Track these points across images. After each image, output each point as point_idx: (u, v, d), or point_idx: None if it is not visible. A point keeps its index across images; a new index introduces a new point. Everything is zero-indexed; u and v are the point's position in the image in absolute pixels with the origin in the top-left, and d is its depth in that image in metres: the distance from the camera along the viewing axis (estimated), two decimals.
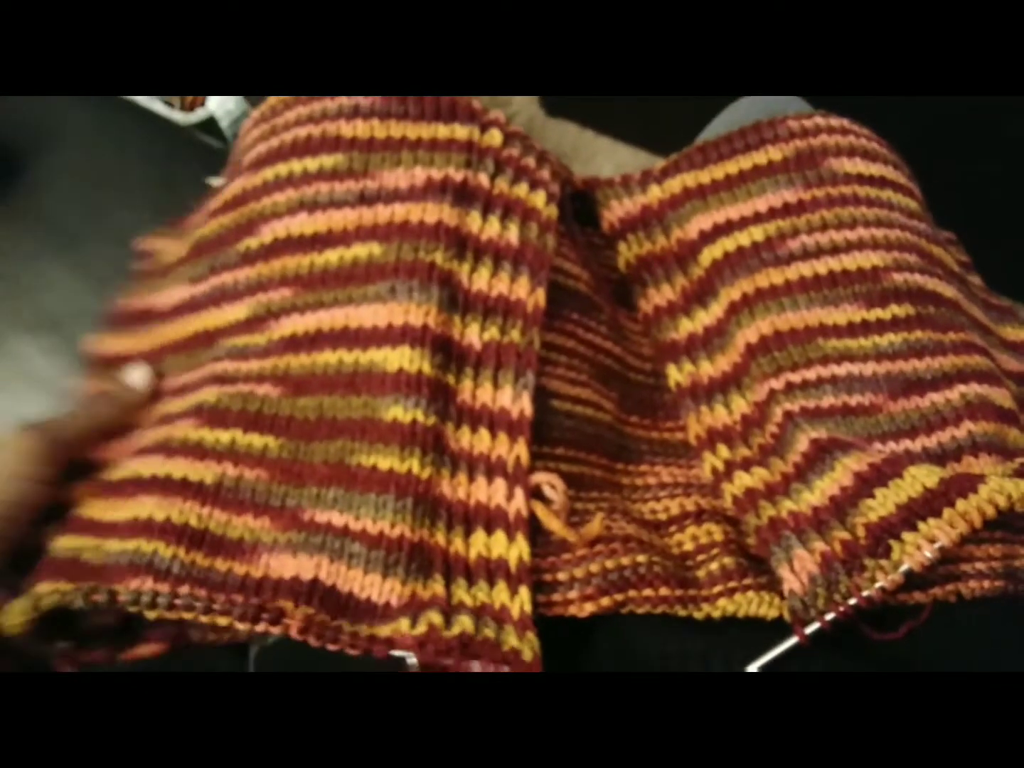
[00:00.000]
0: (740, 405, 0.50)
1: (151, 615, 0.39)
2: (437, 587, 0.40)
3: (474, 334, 0.46)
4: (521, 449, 0.44)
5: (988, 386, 0.48)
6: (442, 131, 0.51)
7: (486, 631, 0.39)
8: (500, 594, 0.41)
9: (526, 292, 0.48)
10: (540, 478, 0.45)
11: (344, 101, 0.52)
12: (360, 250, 0.48)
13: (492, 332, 0.47)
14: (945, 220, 0.61)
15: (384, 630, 0.38)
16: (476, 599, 0.40)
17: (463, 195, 0.49)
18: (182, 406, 0.49)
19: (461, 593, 0.40)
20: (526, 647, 0.39)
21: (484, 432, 0.44)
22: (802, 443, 0.46)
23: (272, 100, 0.54)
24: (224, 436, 0.45)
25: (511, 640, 0.39)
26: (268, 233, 0.50)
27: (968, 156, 0.89)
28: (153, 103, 0.83)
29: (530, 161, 0.52)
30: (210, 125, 0.89)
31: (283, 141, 0.52)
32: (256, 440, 0.45)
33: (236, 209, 0.52)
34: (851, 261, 0.52)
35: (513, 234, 0.49)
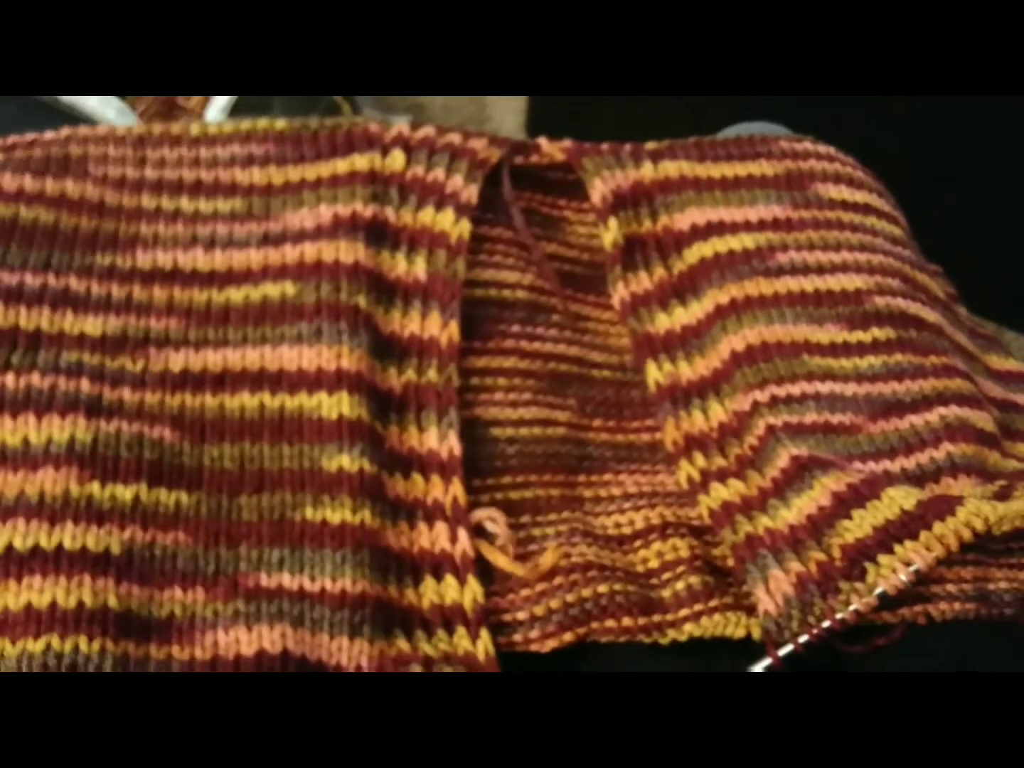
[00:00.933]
0: (718, 412, 0.49)
1: None
2: (401, 643, 0.39)
3: (392, 378, 0.46)
4: (457, 489, 0.43)
5: (968, 409, 0.48)
6: (341, 166, 0.51)
7: None
8: (461, 641, 0.40)
9: (438, 328, 0.48)
10: (480, 515, 0.44)
11: (236, 149, 0.52)
12: (271, 289, 0.47)
13: (409, 374, 0.46)
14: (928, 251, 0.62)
15: None
16: (438, 650, 0.40)
17: (373, 232, 0.49)
18: (26, 436, 0.40)
19: (423, 645, 0.40)
20: None
21: (417, 477, 0.44)
22: (782, 459, 0.45)
23: (136, 130, 0.52)
24: (123, 492, 0.40)
25: None
26: (147, 260, 0.48)
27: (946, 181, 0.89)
28: (107, 109, 0.82)
29: (438, 174, 0.52)
30: None
31: (165, 178, 0.51)
32: (165, 496, 0.40)
33: (90, 216, 0.48)
34: (835, 282, 0.52)
35: (420, 268, 0.49)
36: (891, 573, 0.41)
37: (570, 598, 0.42)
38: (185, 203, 0.50)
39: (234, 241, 0.49)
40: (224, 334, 0.46)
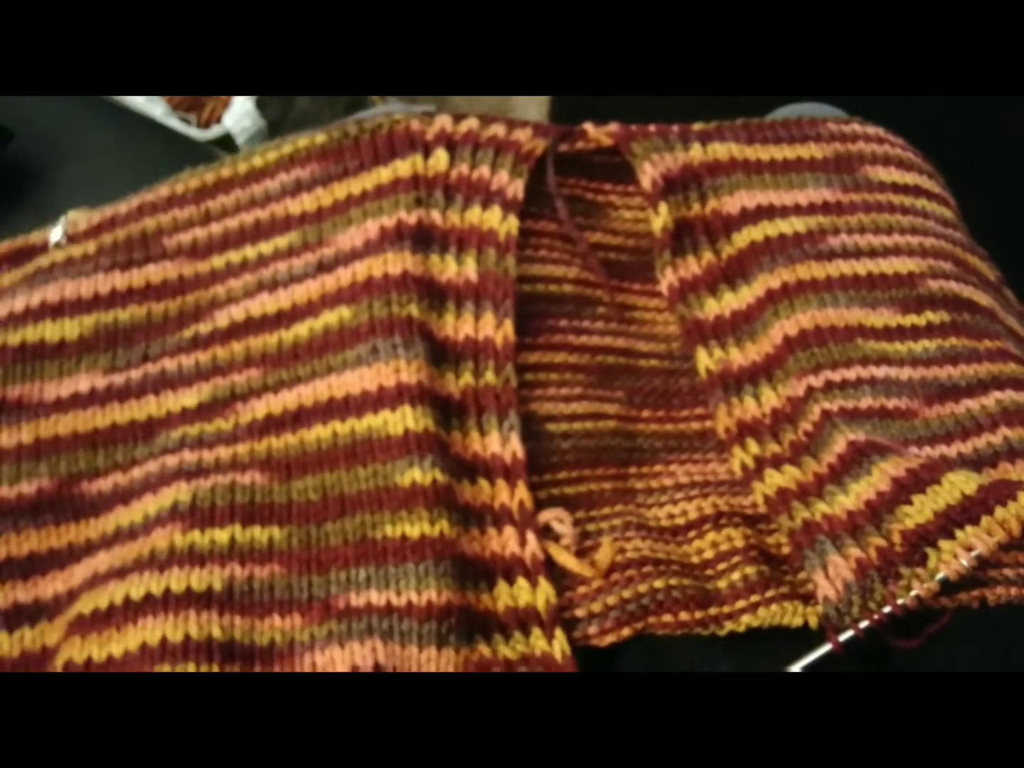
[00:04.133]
0: (770, 398, 0.49)
1: None
2: (483, 648, 0.40)
3: (451, 383, 0.46)
4: (523, 492, 0.44)
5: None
6: (384, 174, 0.51)
7: None
8: (538, 642, 0.41)
9: (493, 328, 0.48)
10: (546, 516, 0.44)
11: (284, 178, 0.52)
12: (330, 317, 0.48)
13: (467, 378, 0.46)
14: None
15: None
16: (516, 652, 0.40)
17: (419, 238, 0.49)
18: (144, 512, 0.44)
19: (502, 648, 0.40)
20: None
21: (483, 482, 0.44)
22: (839, 444, 0.45)
23: (193, 183, 0.54)
24: (220, 535, 0.42)
25: None
26: (224, 318, 0.49)
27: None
28: (170, 120, 0.84)
29: (483, 171, 0.51)
30: (226, 141, 0.90)
31: (228, 228, 0.52)
32: (259, 533, 0.42)
33: (172, 297, 0.50)
34: (888, 265, 0.52)
35: (471, 268, 0.49)
36: (952, 559, 0.40)
37: (627, 594, 0.42)
38: (249, 251, 0.51)
39: (294, 276, 0.49)
40: (296, 372, 0.47)
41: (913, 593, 0.41)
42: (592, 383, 0.50)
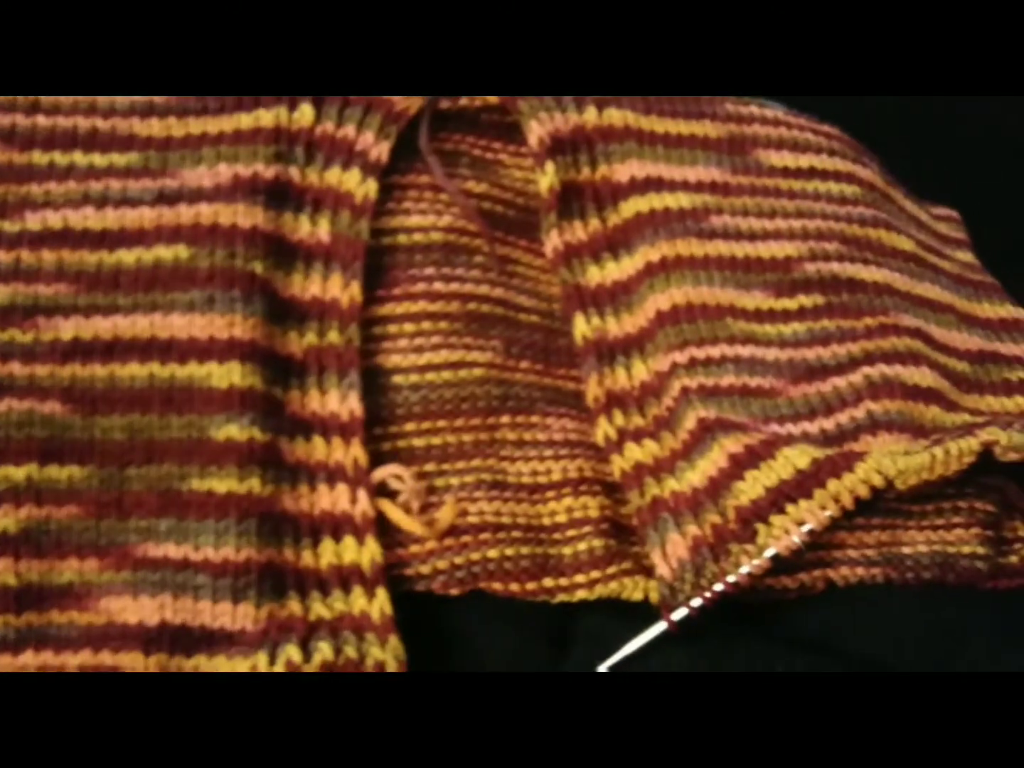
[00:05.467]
0: (640, 371, 0.48)
1: None
2: (293, 605, 0.39)
3: (293, 342, 0.45)
4: (357, 450, 0.43)
5: (900, 366, 0.47)
6: (245, 120, 0.49)
7: (347, 651, 0.38)
8: (358, 600, 0.40)
9: (340, 289, 0.47)
10: (383, 473, 0.43)
11: (137, 98, 0.49)
12: (163, 252, 0.45)
13: (310, 338, 0.46)
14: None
15: (242, 665, 0.37)
16: (334, 610, 0.40)
17: (275, 194, 0.47)
18: None
19: (318, 607, 0.40)
20: (390, 657, 0.38)
21: (318, 440, 0.44)
22: (690, 420, 0.45)
23: None
24: (16, 473, 0.40)
25: (374, 652, 0.38)
26: (36, 221, 0.46)
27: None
28: None
29: (348, 131, 0.50)
30: None
31: (59, 126, 0.49)
32: (57, 472, 0.41)
33: None
34: (766, 249, 0.52)
35: (324, 230, 0.48)
36: (783, 534, 0.39)
37: (459, 560, 0.42)
38: (79, 157, 0.48)
39: (128, 199, 0.47)
40: (115, 300, 0.44)
41: (743, 570, 0.39)
42: (458, 331, 0.48)
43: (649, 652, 0.41)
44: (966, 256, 0.60)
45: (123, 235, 0.46)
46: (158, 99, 0.50)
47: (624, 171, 0.53)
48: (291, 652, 0.37)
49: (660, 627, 0.40)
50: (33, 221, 0.46)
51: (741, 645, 0.41)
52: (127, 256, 0.45)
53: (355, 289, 0.47)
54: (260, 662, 0.37)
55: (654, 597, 0.42)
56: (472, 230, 0.51)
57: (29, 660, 0.37)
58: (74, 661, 0.37)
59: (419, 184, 0.52)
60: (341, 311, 0.46)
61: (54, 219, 0.46)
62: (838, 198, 0.55)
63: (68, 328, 0.43)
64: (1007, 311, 0.56)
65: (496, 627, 0.42)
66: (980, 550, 0.42)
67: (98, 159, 0.48)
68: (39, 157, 0.48)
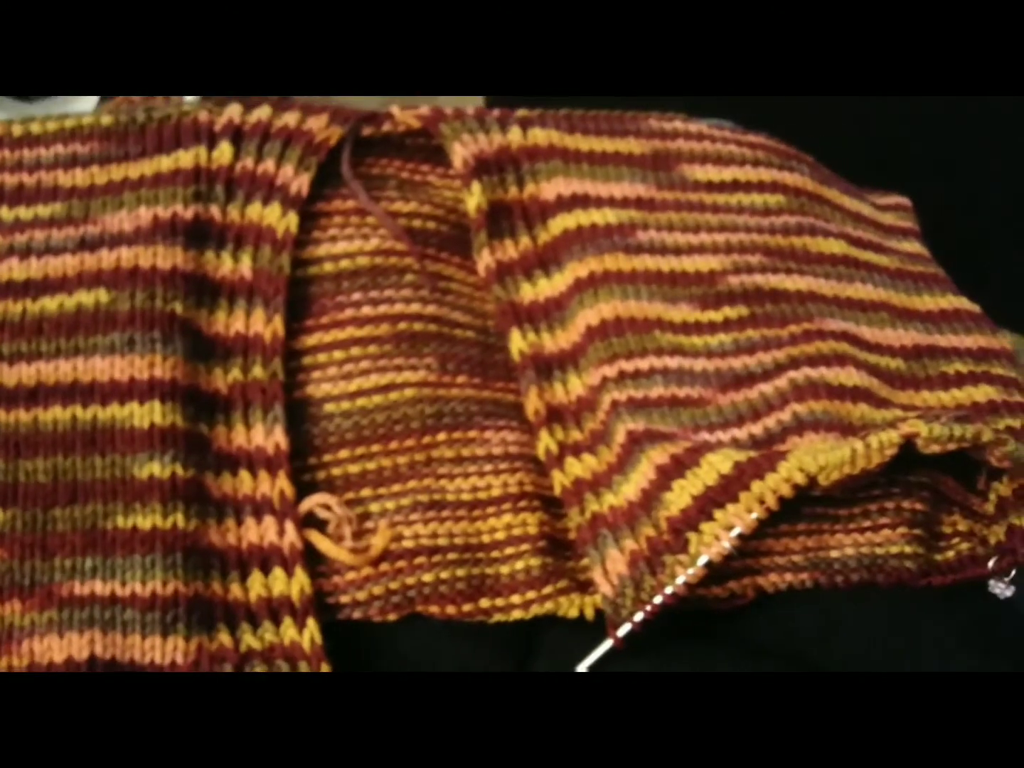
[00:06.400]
0: (576, 386, 0.49)
1: None
2: (223, 637, 0.40)
3: (219, 379, 0.46)
4: (283, 483, 0.44)
5: (825, 368, 0.48)
6: (165, 163, 0.50)
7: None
8: (287, 631, 0.40)
9: (263, 324, 0.47)
10: (310, 503, 0.44)
11: (60, 149, 0.51)
12: (84, 297, 0.46)
13: (235, 374, 0.46)
14: None
15: None
16: (264, 641, 0.40)
17: (195, 233, 0.48)
18: None
19: (248, 638, 0.40)
20: None
21: (244, 474, 0.44)
22: (620, 434, 0.45)
23: None
24: None
25: None
26: None
27: None
28: None
29: (267, 166, 0.51)
30: None
31: None
32: None
33: None
34: (691, 263, 0.53)
35: (246, 266, 0.48)
36: (713, 540, 0.39)
37: (393, 585, 0.42)
38: (5, 212, 0.49)
39: (51, 247, 0.48)
40: (37, 346, 0.45)
41: (679, 580, 0.40)
42: (389, 353, 0.49)
43: (600, 667, 0.41)
44: (911, 246, 0.60)
45: (47, 283, 0.47)
46: (81, 149, 0.51)
47: (551, 189, 0.54)
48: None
49: (606, 645, 0.41)
50: None
51: (690, 656, 0.41)
52: (50, 303, 0.46)
53: (277, 323, 0.47)
54: None
55: (589, 614, 0.42)
56: (401, 250, 0.51)
57: None
58: None
59: (344, 210, 0.52)
60: (264, 346, 0.47)
61: None
62: (761, 209, 0.56)
63: None
64: (948, 301, 0.56)
65: (443, 648, 0.42)
66: (908, 549, 0.42)
67: (23, 212, 0.49)
68: None
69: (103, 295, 0.46)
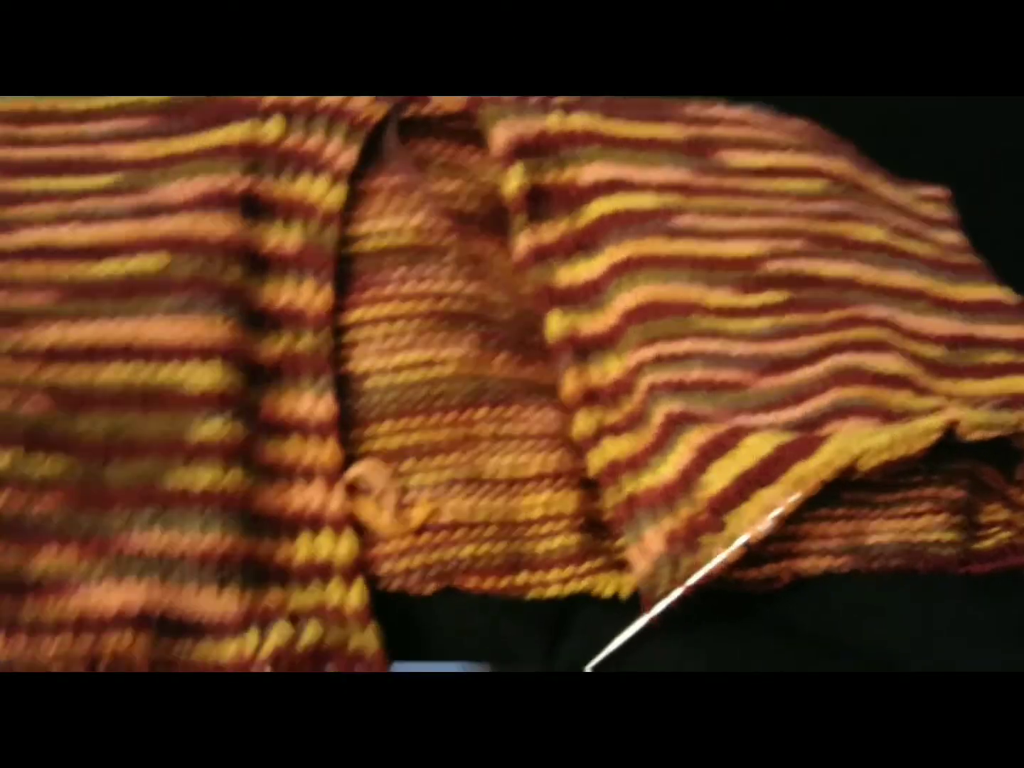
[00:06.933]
0: (612, 369, 0.49)
1: None
2: (274, 594, 0.40)
3: (270, 348, 0.46)
4: (332, 449, 0.45)
5: (866, 354, 0.48)
6: (217, 136, 0.51)
7: (333, 634, 0.40)
8: (335, 591, 0.41)
9: (311, 295, 0.48)
10: (356, 471, 0.44)
11: (116, 124, 0.52)
12: (143, 261, 0.47)
13: (285, 343, 0.47)
14: None
15: (230, 647, 0.38)
16: (311, 601, 0.41)
17: (247, 206, 0.49)
18: None
19: (297, 597, 0.41)
20: (368, 643, 0.40)
21: (294, 440, 0.45)
22: (658, 415, 0.45)
23: (23, 106, 0.54)
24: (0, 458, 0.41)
25: (356, 638, 0.40)
26: (26, 236, 0.49)
27: None
28: None
29: (315, 140, 0.51)
30: None
31: (47, 157, 0.52)
32: (41, 460, 0.42)
33: None
34: (730, 248, 0.53)
35: (294, 239, 0.49)
36: (753, 522, 0.40)
37: (432, 557, 0.43)
38: (63, 182, 0.51)
39: (106, 215, 0.49)
40: (96, 307, 0.46)
41: (716, 560, 0.40)
42: (431, 328, 0.49)
43: (635, 648, 0.41)
44: (950, 237, 0.60)
45: (104, 248, 0.48)
46: (135, 124, 0.52)
47: (589, 173, 0.54)
48: (282, 630, 0.39)
49: (642, 622, 0.41)
50: (23, 236, 0.48)
51: (721, 637, 0.42)
52: (108, 267, 0.47)
53: (326, 295, 0.48)
54: (249, 643, 0.38)
55: (625, 593, 0.42)
56: (443, 229, 0.52)
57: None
58: (51, 647, 0.37)
59: (388, 188, 0.52)
60: (313, 317, 0.47)
61: (41, 235, 0.48)
62: (802, 195, 0.56)
63: (48, 335, 0.45)
64: (988, 292, 0.56)
65: (478, 622, 0.43)
66: (947, 536, 0.42)
67: (79, 182, 0.50)
68: (32, 184, 0.50)
69: (162, 259, 0.47)
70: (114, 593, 0.39)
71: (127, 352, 0.45)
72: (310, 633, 0.39)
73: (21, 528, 0.40)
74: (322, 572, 0.42)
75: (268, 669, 0.38)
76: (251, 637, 0.38)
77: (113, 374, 0.44)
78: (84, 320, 0.46)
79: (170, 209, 0.49)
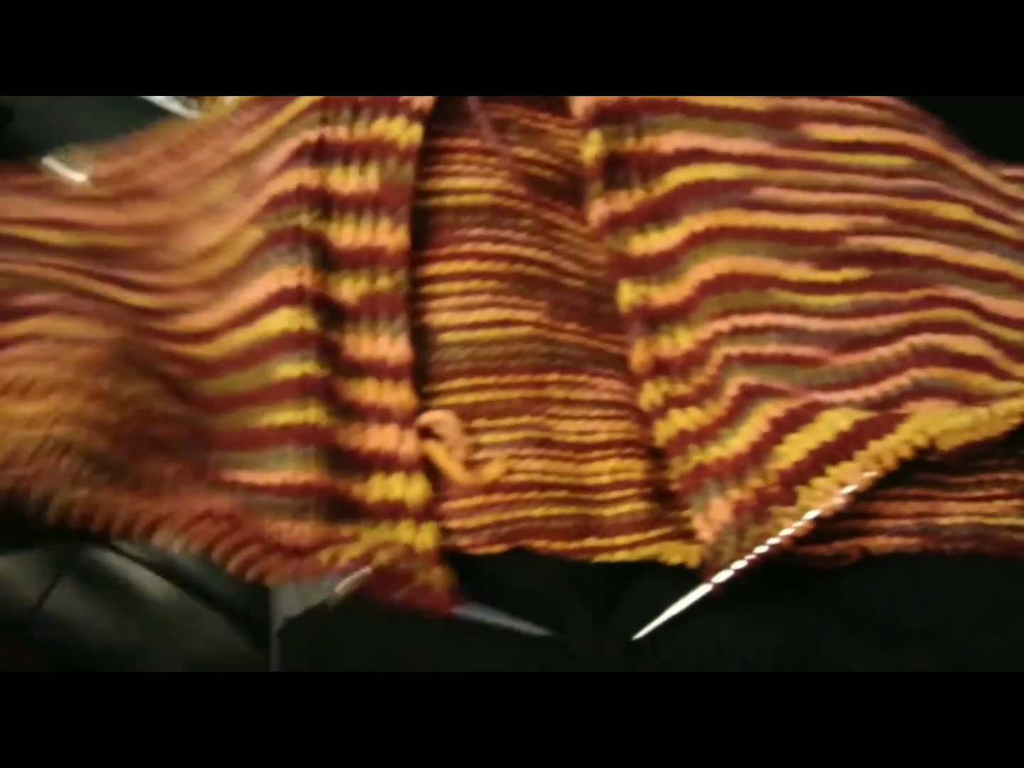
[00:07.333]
0: (684, 340, 0.49)
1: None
2: (346, 530, 0.41)
3: (347, 290, 0.47)
4: (405, 393, 0.45)
5: (947, 335, 0.47)
6: (300, 102, 0.52)
7: (404, 565, 0.40)
8: (405, 532, 0.42)
9: (387, 234, 0.48)
10: (429, 418, 0.45)
11: (237, 120, 0.55)
12: (246, 240, 0.50)
13: (362, 284, 0.47)
14: None
15: (305, 562, 0.39)
16: (382, 539, 0.41)
17: (321, 154, 0.49)
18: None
19: (368, 534, 0.41)
20: (437, 580, 0.41)
21: (370, 382, 0.46)
22: (732, 387, 0.45)
23: (179, 137, 0.59)
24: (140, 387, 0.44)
25: (423, 574, 0.41)
26: (187, 244, 0.54)
27: None
28: (171, 103, 0.86)
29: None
30: None
31: (203, 175, 0.56)
32: (169, 400, 0.44)
33: (151, 235, 0.55)
34: (810, 222, 0.52)
35: (372, 179, 0.49)
36: (825, 496, 0.39)
37: (504, 516, 0.43)
38: (214, 191, 0.54)
39: (230, 208, 0.52)
40: (220, 293, 0.50)
41: (785, 532, 0.40)
42: (506, 290, 0.49)
43: (691, 617, 0.41)
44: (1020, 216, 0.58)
45: (225, 244, 0.52)
46: (251, 116, 0.56)
47: (670, 142, 0.53)
48: (352, 551, 0.39)
49: (703, 590, 0.41)
50: (182, 246, 0.54)
51: (782, 611, 0.41)
52: (226, 256, 0.52)
53: (402, 234, 0.48)
54: (323, 560, 0.39)
55: (692, 562, 0.42)
56: (519, 194, 0.52)
57: None
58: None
59: (468, 147, 0.52)
60: (389, 257, 0.48)
61: (192, 244, 0.54)
62: (886, 171, 0.55)
63: (197, 321, 0.50)
64: None
65: (543, 584, 0.43)
66: (1021, 521, 0.42)
67: (224, 186, 0.55)
68: (193, 206, 0.56)
69: (255, 233, 0.49)
70: (202, 500, 0.40)
71: (234, 323, 0.48)
72: (383, 556, 0.40)
73: (147, 439, 0.41)
74: (394, 512, 0.42)
75: (340, 584, 0.39)
76: (323, 557, 0.39)
77: (229, 343, 0.48)
78: (216, 303, 0.50)
79: (262, 183, 0.50)
